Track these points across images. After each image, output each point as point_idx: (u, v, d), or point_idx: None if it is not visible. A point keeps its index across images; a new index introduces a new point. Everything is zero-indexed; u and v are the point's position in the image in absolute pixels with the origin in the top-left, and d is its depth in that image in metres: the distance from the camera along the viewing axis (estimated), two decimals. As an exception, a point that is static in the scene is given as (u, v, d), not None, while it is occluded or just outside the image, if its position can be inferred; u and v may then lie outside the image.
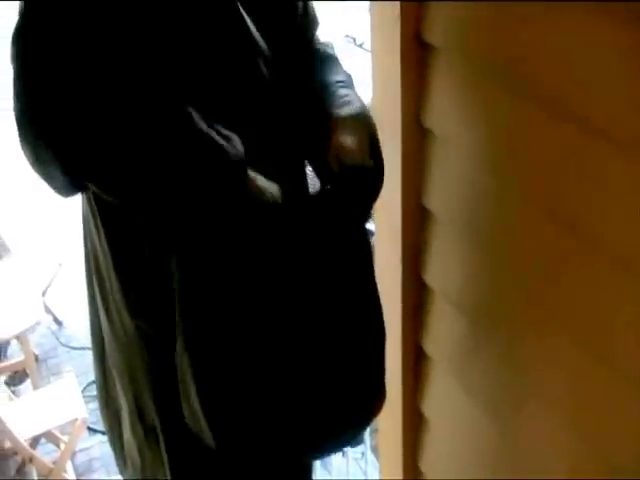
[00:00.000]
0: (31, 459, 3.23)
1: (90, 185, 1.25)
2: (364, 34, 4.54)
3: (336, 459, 3.10)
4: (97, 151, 1.18)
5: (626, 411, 1.12)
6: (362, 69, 4.21)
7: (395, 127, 1.47)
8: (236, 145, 1.22)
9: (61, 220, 4.93)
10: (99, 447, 3.56)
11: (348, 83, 1.44)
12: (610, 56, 1.03)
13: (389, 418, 1.76)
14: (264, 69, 1.33)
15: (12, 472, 3.38)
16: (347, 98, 1.38)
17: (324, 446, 1.49)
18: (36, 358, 4.00)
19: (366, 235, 1.37)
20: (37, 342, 4.15)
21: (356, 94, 1.42)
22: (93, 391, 3.79)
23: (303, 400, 1.38)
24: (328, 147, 1.32)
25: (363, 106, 1.38)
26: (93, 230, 1.38)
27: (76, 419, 3.27)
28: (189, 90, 1.23)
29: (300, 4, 1.44)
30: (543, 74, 1.15)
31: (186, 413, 1.34)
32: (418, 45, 1.39)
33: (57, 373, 3.99)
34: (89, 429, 3.51)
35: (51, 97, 1.15)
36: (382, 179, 1.34)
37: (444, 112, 1.41)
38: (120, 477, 1.70)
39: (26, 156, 1.22)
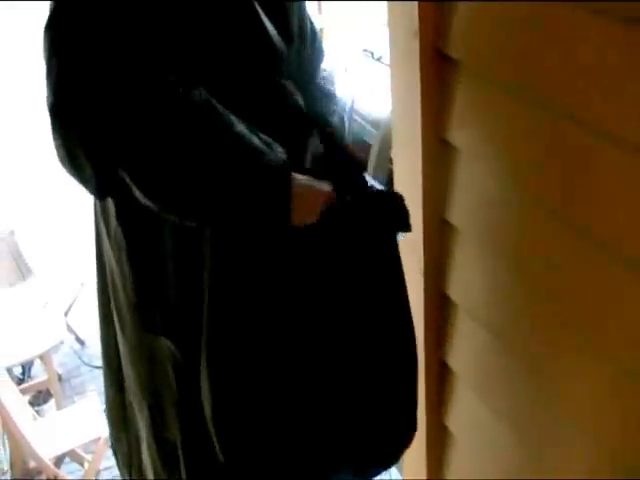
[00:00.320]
0: (55, 478, 3.24)
1: (125, 185, 1.21)
2: (381, 48, 4.55)
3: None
4: (134, 150, 1.15)
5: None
6: (380, 82, 4.21)
7: (415, 140, 1.47)
8: (277, 150, 1.21)
9: (83, 240, 4.97)
10: (123, 466, 3.55)
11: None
12: (633, 69, 1.02)
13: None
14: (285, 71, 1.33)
15: (37, 491, 3.39)
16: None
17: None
18: (59, 378, 4.02)
19: (397, 249, 1.37)
20: (60, 362, 4.16)
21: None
22: (116, 410, 3.83)
23: (326, 430, 1.37)
24: None
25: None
26: (109, 246, 1.38)
27: (99, 437, 3.28)
28: (224, 94, 1.21)
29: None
30: (564, 86, 1.15)
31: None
32: (437, 58, 1.39)
33: (81, 392, 4.00)
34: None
35: (84, 91, 1.12)
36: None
37: (464, 125, 1.41)
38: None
39: (59, 155, 1.19)
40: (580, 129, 1.14)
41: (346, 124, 1.50)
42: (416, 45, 1.37)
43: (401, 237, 1.37)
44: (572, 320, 1.25)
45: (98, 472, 3.45)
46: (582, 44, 1.09)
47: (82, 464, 3.45)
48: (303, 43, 1.42)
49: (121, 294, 1.39)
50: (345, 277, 1.33)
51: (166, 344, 1.36)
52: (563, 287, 1.25)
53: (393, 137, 1.60)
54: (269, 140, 1.21)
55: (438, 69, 1.40)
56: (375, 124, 3.83)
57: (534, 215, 1.31)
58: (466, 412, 1.64)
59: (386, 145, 3.18)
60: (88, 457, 3.39)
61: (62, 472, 3.34)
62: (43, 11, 1.20)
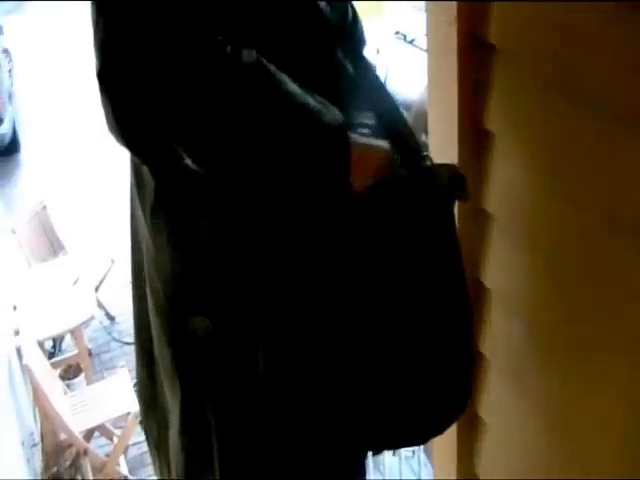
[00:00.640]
0: (85, 451, 3.29)
1: (177, 148, 1.18)
2: (414, 31, 4.53)
3: (388, 457, 3.10)
4: (184, 113, 1.13)
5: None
6: (412, 65, 4.20)
7: (452, 128, 1.45)
8: (333, 109, 1.20)
9: (114, 217, 5.02)
10: (151, 441, 3.60)
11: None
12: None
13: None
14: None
15: (67, 464, 3.45)
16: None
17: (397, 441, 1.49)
18: (89, 353, 4.07)
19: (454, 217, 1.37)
20: (90, 337, 4.22)
21: None
22: (145, 385, 3.87)
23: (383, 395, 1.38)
24: None
25: None
26: (145, 226, 1.37)
27: (129, 413, 3.32)
28: (275, 60, 1.18)
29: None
30: (604, 78, 1.13)
31: None
32: (475, 44, 1.37)
33: (110, 368, 4.06)
34: (141, 423, 3.55)
35: (131, 54, 1.10)
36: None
37: (501, 112, 1.39)
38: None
39: (107, 121, 1.17)
40: (618, 121, 1.12)
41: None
42: (454, 31, 1.35)
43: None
44: (606, 310, 1.24)
45: (127, 447, 3.51)
46: (621, 35, 1.07)
47: (111, 439, 3.51)
48: (346, 26, 1.42)
49: (156, 273, 1.39)
50: (403, 246, 1.32)
51: (203, 323, 1.36)
52: (597, 277, 1.24)
53: (429, 125, 1.59)
54: (324, 100, 1.20)
55: (476, 55, 1.38)
56: (407, 106, 3.82)
57: (571, 205, 1.29)
58: (498, 399, 1.63)
59: (418, 126, 3.18)
60: (117, 432, 3.44)
61: (92, 446, 3.40)
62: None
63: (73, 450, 3.41)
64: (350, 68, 1.35)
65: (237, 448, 1.44)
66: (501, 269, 1.52)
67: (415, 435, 1.54)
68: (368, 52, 1.54)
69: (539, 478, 1.50)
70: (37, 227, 4.19)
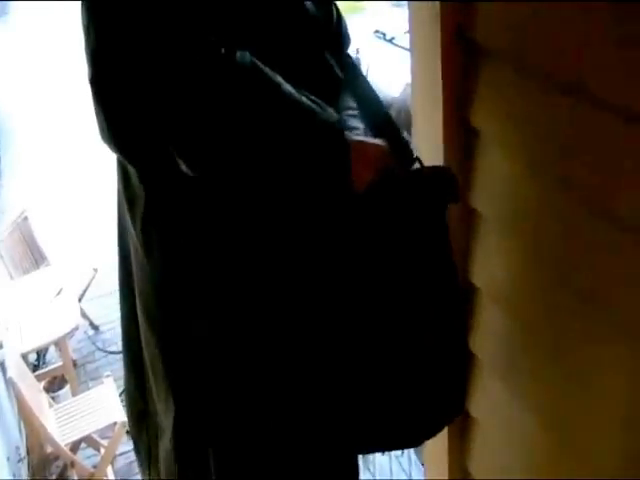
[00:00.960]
0: (72, 464, 3.26)
1: (174, 154, 1.17)
2: (394, 29, 4.54)
3: (378, 456, 3.09)
4: (179, 116, 1.12)
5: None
6: (393, 64, 4.20)
7: (437, 126, 1.44)
8: (327, 109, 1.19)
9: (95, 226, 4.98)
10: (139, 451, 3.57)
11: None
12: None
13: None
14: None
15: (54, 477, 3.41)
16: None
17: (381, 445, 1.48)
18: (74, 363, 4.04)
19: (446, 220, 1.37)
20: (74, 347, 4.18)
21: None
22: (131, 395, 3.84)
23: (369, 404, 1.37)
24: None
25: None
26: (135, 234, 1.36)
27: (115, 423, 3.29)
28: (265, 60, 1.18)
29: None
30: (590, 71, 1.12)
31: None
32: (460, 42, 1.36)
33: (95, 378, 4.02)
34: (128, 432, 3.52)
35: (124, 58, 1.09)
36: None
37: (487, 110, 1.38)
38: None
39: (100, 128, 1.16)
40: (606, 113, 1.11)
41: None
42: (437, 29, 1.34)
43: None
44: (597, 304, 1.23)
45: (114, 457, 3.47)
46: (608, 29, 1.07)
47: (98, 449, 3.47)
48: (331, 25, 1.40)
49: (147, 283, 1.37)
50: (396, 247, 1.32)
51: (196, 324, 1.34)
52: (588, 271, 1.24)
53: (414, 124, 1.58)
54: (317, 100, 1.20)
55: (460, 53, 1.37)
56: (388, 104, 3.82)
57: (559, 202, 1.29)
58: (489, 397, 1.62)
59: (399, 124, 3.19)
60: (104, 442, 3.41)
61: (79, 457, 3.36)
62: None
63: (60, 463, 3.38)
64: (337, 69, 1.34)
65: (233, 457, 1.43)
66: (491, 267, 1.51)
67: (409, 437, 1.52)
68: (349, 51, 1.54)
69: (532, 476, 1.49)
70: (18, 239, 4.14)
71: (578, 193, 1.22)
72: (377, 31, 4.59)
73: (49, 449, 3.32)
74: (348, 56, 1.47)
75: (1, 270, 4.00)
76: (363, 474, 3.11)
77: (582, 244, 1.23)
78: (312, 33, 1.30)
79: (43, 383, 3.77)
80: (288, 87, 1.16)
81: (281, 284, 1.30)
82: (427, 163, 1.42)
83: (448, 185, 1.34)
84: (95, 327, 4.36)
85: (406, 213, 1.31)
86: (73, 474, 3.30)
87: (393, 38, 4.51)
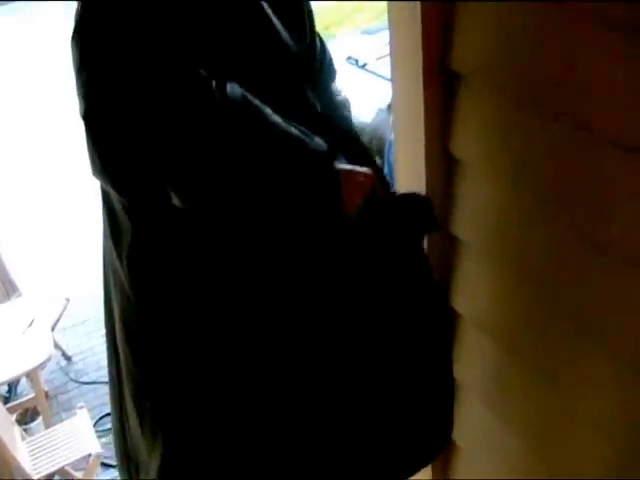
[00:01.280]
0: (46, 498, 3.19)
1: (168, 188, 1.17)
2: (366, 56, 4.58)
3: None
4: (174, 152, 1.12)
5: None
6: (366, 90, 4.22)
7: (418, 153, 1.45)
8: (316, 139, 1.20)
9: (67, 255, 4.93)
10: (114, 482, 3.52)
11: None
12: (636, 79, 1.01)
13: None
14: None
15: (27, 512, 3.33)
16: None
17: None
18: (46, 395, 3.96)
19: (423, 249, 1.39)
20: (46, 378, 4.11)
21: None
22: (105, 425, 3.78)
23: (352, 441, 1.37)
24: None
25: None
26: (121, 266, 1.34)
27: (89, 455, 3.24)
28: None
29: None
30: (568, 97, 1.14)
31: None
32: (440, 72, 1.37)
33: (68, 409, 3.96)
34: (103, 464, 3.47)
35: (117, 95, 1.09)
36: None
37: (468, 138, 1.40)
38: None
39: (93, 164, 1.16)
40: (585, 139, 1.14)
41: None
42: (419, 57, 1.35)
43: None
44: (581, 327, 1.25)
45: (90, 490, 3.41)
46: (585, 55, 1.09)
47: (73, 482, 3.40)
48: (315, 56, 1.41)
49: (134, 316, 1.36)
50: (381, 274, 1.33)
51: (183, 363, 1.33)
52: (570, 294, 1.25)
53: (395, 150, 1.59)
54: (306, 130, 1.21)
55: (441, 83, 1.39)
56: (360, 130, 3.84)
57: (539, 225, 1.30)
58: (474, 423, 1.62)
59: (372, 150, 3.21)
60: (78, 475, 3.35)
61: (53, 491, 3.30)
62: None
63: (33, 496, 3.31)
64: (318, 105, 1.34)
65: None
66: (473, 293, 1.52)
67: (396, 471, 1.51)
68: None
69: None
70: (-12, 269, 4.09)
71: (560, 219, 1.24)
72: (349, 57, 4.63)
73: (22, 483, 3.25)
74: (333, 92, 1.49)
75: (-29, 302, 3.94)
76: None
77: (567, 269, 1.25)
78: (291, 69, 1.31)
79: (15, 415, 3.70)
80: (277, 118, 1.16)
81: (268, 316, 1.30)
82: (411, 190, 1.43)
83: (426, 211, 1.35)
84: (68, 357, 4.29)
85: (391, 239, 1.32)
86: (47, 508, 3.24)
87: (365, 64, 4.55)
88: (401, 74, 1.46)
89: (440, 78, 1.38)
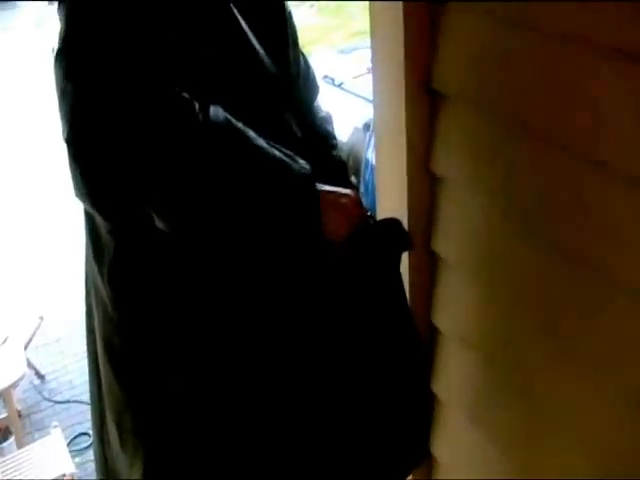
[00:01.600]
0: (19, 519, 3.14)
1: (150, 211, 1.17)
2: (342, 75, 4.63)
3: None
4: (158, 176, 1.11)
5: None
6: (342, 109, 4.25)
7: (401, 172, 1.46)
8: (300, 161, 1.20)
9: (41, 273, 4.89)
10: (89, 502, 3.49)
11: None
12: (623, 99, 1.03)
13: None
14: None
15: (-1, 534, 3.28)
16: None
17: None
18: (19, 414, 3.92)
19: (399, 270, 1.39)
20: (19, 397, 4.06)
21: None
22: (79, 445, 3.75)
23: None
24: None
25: None
26: (102, 285, 1.34)
27: (64, 475, 3.20)
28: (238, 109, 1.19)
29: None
30: (551, 118, 1.16)
31: None
32: (423, 92, 1.39)
33: (41, 428, 3.91)
34: (77, 485, 3.43)
35: (103, 118, 1.08)
36: None
37: (450, 157, 1.41)
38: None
39: (76, 186, 1.16)
40: (568, 158, 1.15)
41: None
42: (401, 78, 1.37)
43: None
44: (562, 342, 1.26)
45: (64, 510, 3.36)
46: (568, 74, 1.11)
47: (47, 503, 3.36)
48: (298, 74, 1.42)
49: (115, 333, 1.35)
50: (358, 297, 1.34)
51: (165, 383, 1.32)
52: (552, 310, 1.27)
53: (377, 168, 1.60)
54: (289, 152, 1.21)
55: (424, 102, 1.41)
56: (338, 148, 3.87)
57: (520, 242, 1.32)
58: (455, 438, 1.63)
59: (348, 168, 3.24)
60: (53, 496, 3.30)
61: (26, 512, 3.24)
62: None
63: (5, 518, 3.26)
64: (297, 129, 1.35)
65: None
66: (454, 309, 1.54)
67: None
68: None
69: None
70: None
71: (543, 235, 1.26)
72: (326, 76, 4.66)
73: (-6, 505, 3.20)
74: (320, 111, 1.50)
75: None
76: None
77: (548, 285, 1.26)
78: (269, 91, 1.31)
79: (-14, 435, 3.66)
80: (261, 141, 1.17)
81: (247, 336, 1.30)
82: (392, 208, 1.44)
83: (400, 231, 1.37)
84: (41, 376, 4.24)
85: (371, 262, 1.33)
86: (19, 530, 3.18)
87: (342, 83, 4.59)
88: (383, 92, 1.48)
89: (422, 97, 1.39)
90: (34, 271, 4.88)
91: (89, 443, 3.70)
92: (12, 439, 3.72)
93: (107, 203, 1.18)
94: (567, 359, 1.26)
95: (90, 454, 3.67)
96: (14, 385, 3.67)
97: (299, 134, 1.35)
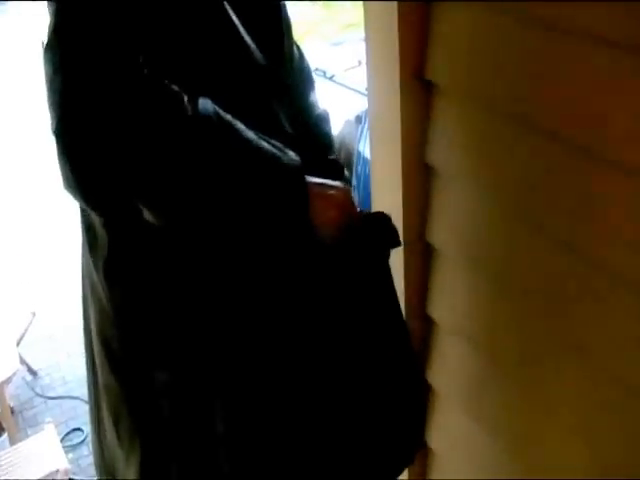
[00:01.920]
0: (13, 515, 3.14)
1: (139, 204, 1.16)
2: (333, 68, 4.63)
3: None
4: (148, 167, 1.11)
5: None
6: (334, 101, 4.25)
7: (395, 163, 1.46)
8: (289, 153, 1.19)
9: (33, 268, 4.88)
10: (82, 498, 3.49)
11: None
12: (615, 89, 1.04)
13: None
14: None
15: (-7, 530, 3.28)
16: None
17: None
18: (12, 410, 3.91)
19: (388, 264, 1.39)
20: (12, 394, 4.05)
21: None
22: (72, 440, 3.74)
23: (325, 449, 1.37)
24: None
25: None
26: (98, 280, 1.33)
27: (57, 471, 3.20)
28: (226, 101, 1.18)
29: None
30: (544, 106, 1.16)
31: None
32: (418, 83, 1.39)
33: (34, 425, 3.90)
34: (71, 480, 3.43)
35: (92, 111, 1.07)
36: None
37: (444, 147, 1.41)
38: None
39: (66, 179, 1.13)
40: (560, 147, 1.16)
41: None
42: (396, 69, 1.36)
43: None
44: (560, 334, 1.26)
45: (58, 507, 3.36)
46: (563, 67, 1.11)
47: (41, 499, 3.35)
48: (292, 68, 1.41)
49: (112, 329, 1.34)
50: (347, 292, 1.33)
51: (163, 378, 1.32)
52: (545, 300, 1.27)
53: (372, 161, 1.60)
54: (278, 144, 1.20)
55: (418, 93, 1.40)
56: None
57: (515, 232, 1.32)
58: (452, 430, 1.64)
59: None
60: (47, 491, 3.30)
61: (20, 508, 3.24)
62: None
63: (-1, 514, 3.25)
64: (286, 124, 1.34)
65: None
66: (448, 300, 1.54)
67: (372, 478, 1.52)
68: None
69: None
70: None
71: (534, 223, 1.26)
72: (317, 69, 4.66)
73: (-12, 501, 3.19)
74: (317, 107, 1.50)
75: None
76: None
77: (545, 277, 1.26)
78: (259, 84, 1.30)
79: (-21, 432, 3.65)
80: (249, 133, 1.16)
81: (243, 330, 1.30)
82: (387, 199, 1.44)
83: (389, 227, 1.36)
84: (33, 372, 4.23)
85: (360, 258, 1.33)
86: (14, 526, 3.18)
87: (333, 76, 4.59)
88: (377, 84, 1.47)
89: (417, 88, 1.39)
90: (27, 267, 4.87)
91: (82, 439, 3.70)
92: (5, 436, 3.72)
93: (96, 196, 1.16)
94: (564, 349, 1.26)
95: (83, 450, 3.67)
96: (6, 382, 3.66)
97: (289, 128, 1.34)
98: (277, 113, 1.33)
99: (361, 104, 4.02)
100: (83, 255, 1.38)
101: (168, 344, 1.30)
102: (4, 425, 3.72)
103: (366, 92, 1.53)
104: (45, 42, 1.12)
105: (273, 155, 1.17)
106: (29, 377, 4.25)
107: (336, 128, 4.09)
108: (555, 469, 1.32)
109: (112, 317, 1.32)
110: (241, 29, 1.25)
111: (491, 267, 1.39)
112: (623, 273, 1.10)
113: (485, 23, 1.24)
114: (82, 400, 3.75)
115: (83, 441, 3.69)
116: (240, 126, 1.16)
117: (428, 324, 1.61)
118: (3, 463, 3.27)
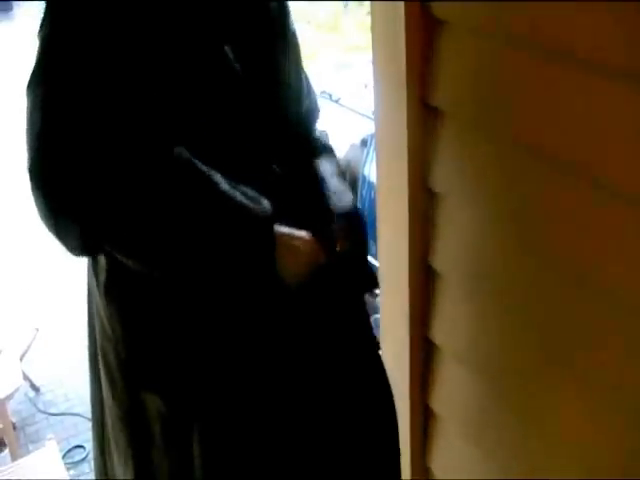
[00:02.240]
0: (13, 532, 3.12)
1: (110, 249, 1.21)
2: (339, 91, 4.65)
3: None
4: (117, 213, 1.14)
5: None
6: (338, 125, 4.28)
7: (401, 189, 1.48)
8: (263, 202, 1.22)
9: (36, 284, 4.87)
10: (83, 516, 3.47)
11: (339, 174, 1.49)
12: (619, 119, 1.06)
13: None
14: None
15: None
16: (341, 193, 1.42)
17: None
18: (14, 426, 3.90)
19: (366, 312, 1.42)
20: (14, 409, 4.04)
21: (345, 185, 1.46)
22: (74, 457, 3.73)
23: None
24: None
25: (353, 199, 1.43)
26: (99, 301, 1.35)
27: (58, 488, 3.18)
28: (206, 150, 1.21)
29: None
30: (547, 134, 1.18)
31: None
32: (423, 108, 1.40)
33: (36, 441, 3.89)
34: (72, 498, 3.42)
35: (66, 153, 1.10)
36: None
37: (449, 173, 1.43)
38: None
39: (41, 215, 1.16)
40: (565, 176, 1.18)
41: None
42: (403, 96, 1.38)
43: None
44: (560, 359, 1.27)
45: (58, 524, 3.35)
46: (563, 93, 1.13)
47: (41, 516, 3.34)
48: (299, 96, 1.43)
49: (110, 350, 1.36)
50: (323, 334, 1.35)
51: (155, 403, 1.33)
52: (547, 326, 1.28)
53: (377, 185, 1.62)
54: (253, 194, 1.23)
55: (423, 119, 1.42)
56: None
57: (518, 258, 1.33)
58: (452, 455, 1.64)
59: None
60: (47, 509, 3.29)
61: (20, 526, 3.23)
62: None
63: (-1, 531, 3.24)
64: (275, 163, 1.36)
65: None
66: (451, 325, 1.55)
67: None
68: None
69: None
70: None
71: (540, 251, 1.27)
72: (323, 92, 4.69)
73: (-13, 518, 3.18)
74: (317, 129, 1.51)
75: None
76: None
77: (546, 302, 1.27)
78: (249, 130, 1.32)
79: (-20, 448, 3.64)
80: (224, 185, 1.19)
81: (228, 353, 1.32)
82: (392, 225, 1.45)
83: (365, 269, 1.39)
84: (36, 388, 4.22)
85: (332, 300, 1.36)
86: (13, 543, 3.17)
87: (339, 99, 4.62)
88: (385, 108, 1.49)
89: (423, 113, 1.41)
90: (30, 283, 4.87)
91: (84, 456, 3.69)
92: (6, 451, 3.70)
93: (69, 233, 1.18)
94: (565, 376, 1.27)
95: (85, 467, 3.65)
96: (9, 397, 3.66)
97: (278, 170, 1.35)
98: (269, 152, 1.35)
99: (367, 127, 4.04)
100: (88, 273, 1.40)
101: (158, 368, 1.32)
102: (6, 441, 3.71)
103: (372, 116, 1.55)
104: (30, 75, 1.14)
105: (244, 206, 1.21)
106: (31, 393, 4.23)
107: (341, 151, 4.11)
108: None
109: (110, 337, 1.34)
110: (236, 65, 1.27)
111: (492, 293, 1.40)
112: (626, 298, 1.11)
113: (489, 52, 1.26)
114: (84, 417, 3.74)
115: (84, 458, 3.67)
116: (216, 177, 1.19)
117: (430, 348, 1.62)
118: (4, 479, 3.27)
